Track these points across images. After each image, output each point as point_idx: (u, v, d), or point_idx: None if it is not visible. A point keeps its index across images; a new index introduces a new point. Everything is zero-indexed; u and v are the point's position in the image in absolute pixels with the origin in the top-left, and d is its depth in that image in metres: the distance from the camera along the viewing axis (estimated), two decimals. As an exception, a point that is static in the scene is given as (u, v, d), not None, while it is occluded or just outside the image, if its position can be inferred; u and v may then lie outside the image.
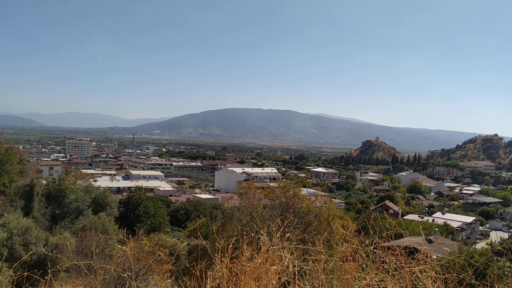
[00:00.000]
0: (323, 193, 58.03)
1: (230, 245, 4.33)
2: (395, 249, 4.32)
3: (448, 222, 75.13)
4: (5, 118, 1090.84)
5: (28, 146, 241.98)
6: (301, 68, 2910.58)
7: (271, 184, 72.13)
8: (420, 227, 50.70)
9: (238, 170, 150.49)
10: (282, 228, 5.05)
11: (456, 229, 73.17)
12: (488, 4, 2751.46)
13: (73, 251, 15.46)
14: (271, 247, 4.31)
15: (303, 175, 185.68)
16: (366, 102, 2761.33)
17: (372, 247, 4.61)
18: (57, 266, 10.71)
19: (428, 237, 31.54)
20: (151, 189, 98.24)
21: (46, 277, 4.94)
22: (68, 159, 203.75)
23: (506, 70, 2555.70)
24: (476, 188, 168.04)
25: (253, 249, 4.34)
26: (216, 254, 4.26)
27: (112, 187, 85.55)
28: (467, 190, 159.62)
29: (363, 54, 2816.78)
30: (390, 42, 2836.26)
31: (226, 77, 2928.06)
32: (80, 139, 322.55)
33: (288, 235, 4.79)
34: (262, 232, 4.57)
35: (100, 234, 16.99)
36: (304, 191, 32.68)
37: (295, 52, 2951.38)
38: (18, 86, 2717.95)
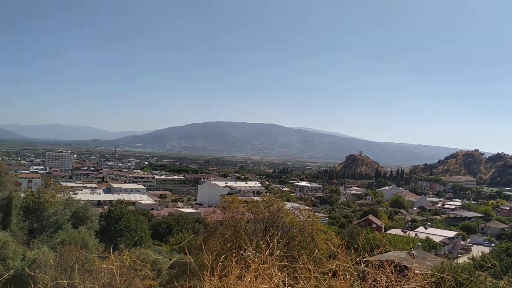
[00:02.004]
0: (307, 207, 57.99)
1: (219, 263, 4.18)
2: (384, 266, 4.25)
3: (431, 236, 75.79)
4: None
5: (7, 158, 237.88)
6: (285, 82, 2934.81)
7: (255, 198, 71.91)
8: (403, 241, 50.96)
9: (221, 184, 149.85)
10: (266, 243, 4.93)
11: (439, 244, 73.77)
12: (466, 16, 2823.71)
13: (52, 266, 15.04)
14: (260, 265, 4.18)
15: (287, 189, 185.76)
16: (350, 117, 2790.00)
17: (363, 265, 4.52)
18: (38, 284, 10.38)
19: (411, 252, 31.61)
20: (133, 203, 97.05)
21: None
22: (47, 171, 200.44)
23: (487, 87, 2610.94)
24: (457, 202, 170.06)
25: (242, 267, 4.20)
26: (205, 272, 4.11)
27: (93, 201, 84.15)
28: (449, 204, 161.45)
29: (346, 68, 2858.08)
30: (373, 55, 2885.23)
31: (210, 90, 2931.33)
32: (61, 151, 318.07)
33: (277, 252, 4.66)
34: (247, 247, 4.44)
35: (80, 249, 16.60)
36: (288, 205, 32.63)
37: (278, 64, 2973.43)
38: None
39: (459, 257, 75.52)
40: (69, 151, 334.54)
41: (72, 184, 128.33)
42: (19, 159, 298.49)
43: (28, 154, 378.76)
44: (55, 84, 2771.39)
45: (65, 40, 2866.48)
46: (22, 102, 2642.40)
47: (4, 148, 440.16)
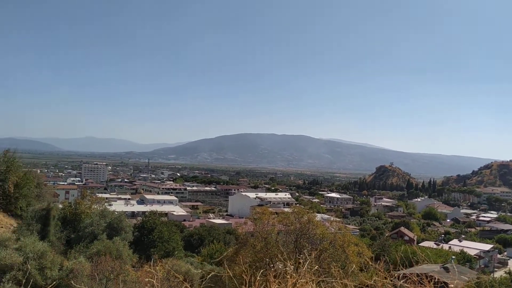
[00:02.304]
0: (338, 219, 57.40)
1: (258, 278, 4.26)
2: (423, 281, 4.25)
3: (465, 249, 73.39)
4: (24, 143, 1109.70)
5: (46, 170, 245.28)
6: (314, 93, 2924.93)
7: (285, 209, 71.69)
8: (437, 254, 49.67)
9: (252, 195, 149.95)
10: (298, 255, 5.03)
11: (474, 257, 71.40)
12: (500, 27, 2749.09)
13: (88, 276, 15.49)
14: (298, 280, 4.25)
15: (316, 200, 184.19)
16: (380, 127, 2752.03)
17: (401, 280, 4.51)
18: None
19: (445, 265, 30.81)
20: (165, 214, 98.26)
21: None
22: (84, 183, 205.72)
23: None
24: (493, 214, 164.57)
25: (279, 281, 4.26)
26: (241, 286, 4.20)
27: (126, 212, 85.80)
28: (484, 216, 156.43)
29: (376, 78, 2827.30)
30: (403, 66, 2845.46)
31: (240, 102, 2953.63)
32: (96, 164, 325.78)
33: (315, 267, 4.70)
34: (282, 259, 4.55)
35: (114, 259, 17.03)
36: (318, 216, 32.42)
37: (307, 76, 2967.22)
38: (37, 112, 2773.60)
39: (496, 271, 72.90)
40: (104, 163, 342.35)
41: (107, 195, 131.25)
42: (57, 171, 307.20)
43: (66, 166, 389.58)
44: (91, 99, 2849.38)
45: (98, 56, 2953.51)
46: (61, 117, 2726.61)
47: (43, 160, 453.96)
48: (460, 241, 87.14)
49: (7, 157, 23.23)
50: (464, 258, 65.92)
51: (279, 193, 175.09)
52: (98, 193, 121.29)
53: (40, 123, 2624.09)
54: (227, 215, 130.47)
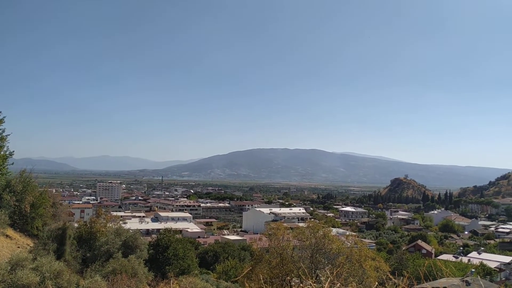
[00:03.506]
0: (353, 233, 56.77)
1: None
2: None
3: (485, 262, 71.91)
4: (40, 163, 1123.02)
5: (61, 190, 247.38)
6: (326, 106, 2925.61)
7: (300, 224, 71.17)
8: (456, 268, 48.73)
9: (266, 210, 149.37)
10: (317, 272, 4.96)
11: (494, 270, 69.88)
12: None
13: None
14: None
15: (331, 214, 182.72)
16: (394, 139, 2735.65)
17: None
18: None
19: (465, 279, 30.14)
20: (180, 231, 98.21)
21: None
22: (98, 201, 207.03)
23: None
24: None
25: None
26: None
27: (141, 229, 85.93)
28: (503, 228, 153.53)
29: (387, 90, 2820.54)
30: (415, 77, 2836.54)
31: (252, 117, 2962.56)
32: (111, 182, 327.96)
33: (339, 284, 4.62)
34: (298, 275, 4.49)
35: (130, 278, 16.99)
36: (334, 231, 32.09)
37: (319, 89, 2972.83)
38: (52, 132, 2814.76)
39: (518, 284, 71.29)
40: (118, 182, 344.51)
41: (122, 213, 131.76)
42: (72, 190, 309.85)
43: (81, 185, 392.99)
44: (105, 118, 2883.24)
45: (111, 72, 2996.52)
46: (75, 136, 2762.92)
47: (59, 180, 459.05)
48: (479, 253, 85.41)
49: (23, 177, 23.50)
50: (484, 271, 64.58)
51: (293, 208, 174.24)
52: (112, 211, 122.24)
53: (55, 143, 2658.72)
54: (241, 231, 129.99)
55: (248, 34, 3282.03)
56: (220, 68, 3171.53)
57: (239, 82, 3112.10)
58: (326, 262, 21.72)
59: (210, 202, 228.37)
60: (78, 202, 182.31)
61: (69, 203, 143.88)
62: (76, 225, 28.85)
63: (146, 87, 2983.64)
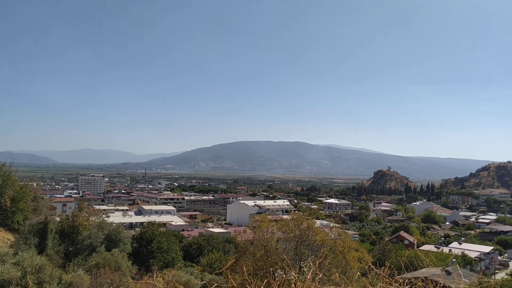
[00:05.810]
0: (337, 225, 57.25)
1: (262, 287, 4.18)
2: (424, 284, 4.20)
3: (466, 252, 73.45)
4: (20, 156, 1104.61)
5: (42, 183, 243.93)
6: (309, 98, 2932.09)
7: (284, 216, 71.53)
8: (437, 258, 49.53)
9: (250, 203, 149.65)
10: (298, 262, 4.97)
11: (474, 260, 71.39)
12: (497, 35, 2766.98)
13: (87, 289, 15.31)
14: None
15: (315, 206, 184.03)
16: (377, 132, 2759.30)
17: (407, 287, 4.45)
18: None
19: (446, 268, 30.73)
20: (164, 224, 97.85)
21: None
22: (81, 195, 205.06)
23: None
24: (492, 216, 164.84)
25: None
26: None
27: (124, 223, 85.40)
28: (483, 218, 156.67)
29: (369, 81, 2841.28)
30: (397, 69, 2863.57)
31: (236, 110, 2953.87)
32: (93, 175, 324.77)
33: (321, 275, 4.63)
34: (283, 267, 4.49)
35: (114, 271, 16.86)
36: (318, 223, 32.32)
37: (301, 81, 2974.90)
38: (33, 125, 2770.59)
39: (497, 273, 73.03)
40: (101, 175, 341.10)
41: (104, 207, 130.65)
42: (53, 184, 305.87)
43: (62, 179, 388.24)
44: (87, 111, 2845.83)
45: (91, 63, 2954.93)
46: (56, 129, 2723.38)
47: (40, 173, 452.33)
48: (460, 243, 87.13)
49: (3, 171, 23.05)
50: (464, 261, 65.90)
51: (277, 201, 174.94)
52: (95, 205, 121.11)
53: (36, 136, 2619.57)
54: (225, 223, 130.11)
55: (229, 24, 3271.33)
56: (201, 60, 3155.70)
57: (221, 73, 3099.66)
58: (310, 254, 21.85)
59: (194, 195, 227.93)
60: (60, 196, 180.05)
61: (50, 197, 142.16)
62: (58, 219, 28.51)
63: (127, 80, 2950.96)
